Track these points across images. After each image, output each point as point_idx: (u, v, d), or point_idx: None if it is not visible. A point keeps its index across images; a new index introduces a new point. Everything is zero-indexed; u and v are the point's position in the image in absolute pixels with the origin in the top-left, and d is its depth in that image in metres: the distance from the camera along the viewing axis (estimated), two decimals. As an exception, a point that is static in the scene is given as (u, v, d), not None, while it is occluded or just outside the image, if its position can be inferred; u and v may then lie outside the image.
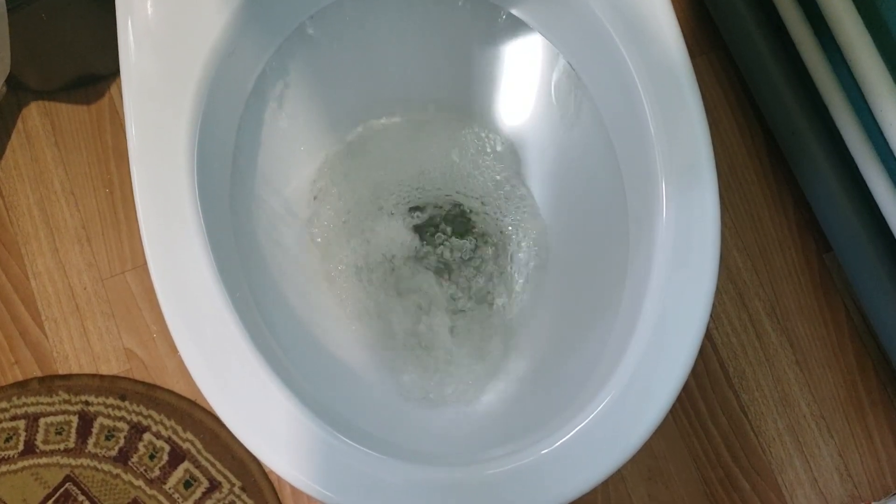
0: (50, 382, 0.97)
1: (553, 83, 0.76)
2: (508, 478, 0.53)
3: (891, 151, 0.88)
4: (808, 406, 1.01)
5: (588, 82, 0.68)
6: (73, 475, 0.94)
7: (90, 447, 0.95)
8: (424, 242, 0.82)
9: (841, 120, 0.91)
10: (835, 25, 0.85)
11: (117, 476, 0.94)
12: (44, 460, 0.95)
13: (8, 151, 1.04)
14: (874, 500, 0.97)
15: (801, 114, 0.97)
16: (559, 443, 0.54)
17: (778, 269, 1.05)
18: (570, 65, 0.70)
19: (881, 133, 0.88)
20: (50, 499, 0.94)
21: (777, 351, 1.02)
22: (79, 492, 0.94)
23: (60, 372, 0.98)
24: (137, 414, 0.96)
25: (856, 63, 0.84)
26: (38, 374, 0.98)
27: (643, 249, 0.60)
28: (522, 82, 0.78)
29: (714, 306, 1.00)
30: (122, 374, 0.98)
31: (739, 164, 1.07)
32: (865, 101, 0.86)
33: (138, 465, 0.94)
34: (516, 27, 0.72)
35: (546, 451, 0.54)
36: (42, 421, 0.95)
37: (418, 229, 0.83)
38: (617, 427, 0.55)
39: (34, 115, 1.05)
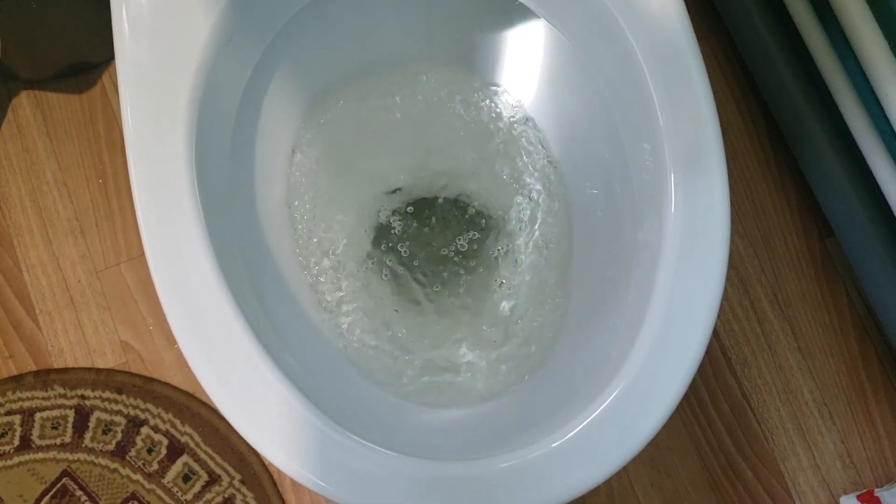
0: (45, 376, 0.96)
1: (556, 67, 0.75)
2: (518, 472, 0.52)
3: (895, 136, 0.87)
4: (810, 393, 1.01)
5: (593, 69, 0.67)
6: (70, 470, 0.93)
7: (87, 441, 0.94)
8: (428, 230, 0.82)
9: (844, 104, 0.90)
10: (838, 7, 0.84)
11: (115, 470, 0.93)
12: (40, 455, 0.93)
13: (-2, 142, 1.03)
14: (877, 487, 0.97)
15: (803, 98, 0.96)
16: (568, 436, 0.53)
17: (780, 255, 1.04)
18: (575, 50, 0.69)
19: (885, 118, 0.88)
20: (47, 494, 0.93)
21: (779, 338, 1.02)
22: (76, 487, 0.93)
23: (56, 366, 0.97)
24: (135, 407, 0.95)
25: (860, 46, 0.83)
26: (33, 368, 0.97)
27: (652, 239, 0.59)
28: (529, 64, 0.77)
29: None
30: (118, 368, 0.97)
31: (741, 150, 1.06)
32: (869, 86, 0.85)
33: (136, 459, 0.93)
34: (522, 11, 0.71)
35: (556, 444, 0.53)
36: (38, 416, 0.94)
37: (423, 218, 0.82)
38: (626, 420, 0.54)
39: (25, 106, 1.03)
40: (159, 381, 0.96)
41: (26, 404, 0.95)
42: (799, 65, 0.97)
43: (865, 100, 0.89)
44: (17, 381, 0.95)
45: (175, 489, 0.93)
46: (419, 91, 0.81)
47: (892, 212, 0.90)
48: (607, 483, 0.97)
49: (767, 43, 0.98)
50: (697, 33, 0.62)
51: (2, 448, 0.93)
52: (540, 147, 0.78)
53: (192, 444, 0.94)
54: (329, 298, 0.75)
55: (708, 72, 0.61)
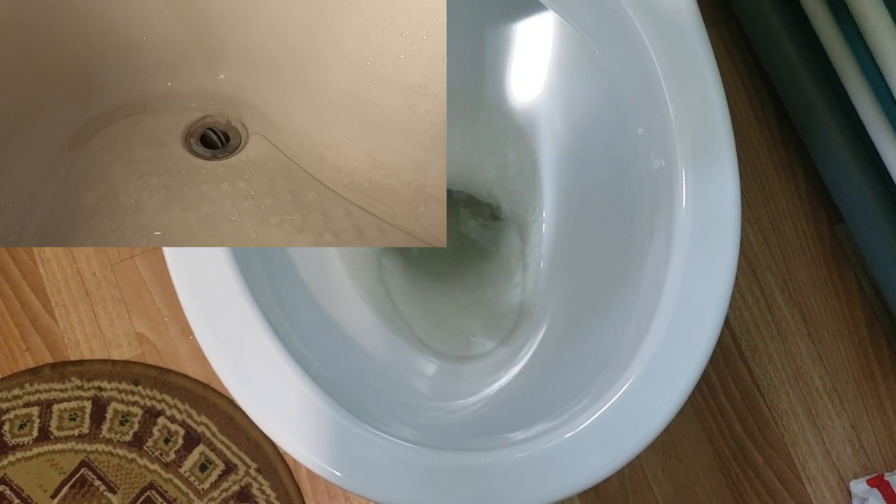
0: (62, 368, 0.97)
1: (565, 58, 0.75)
2: (533, 462, 0.53)
3: (905, 122, 0.87)
4: (820, 378, 1.01)
5: (602, 60, 0.67)
6: (88, 460, 0.95)
7: (104, 432, 0.95)
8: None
9: (854, 90, 0.90)
10: (847, -6, 0.84)
11: (133, 461, 0.94)
12: (59, 446, 0.95)
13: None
14: (887, 471, 0.98)
15: (812, 84, 0.96)
16: (582, 426, 0.53)
17: (789, 242, 1.04)
18: (585, 42, 0.69)
19: (895, 104, 0.87)
20: (66, 484, 0.94)
21: (789, 324, 1.02)
22: (95, 477, 0.94)
23: (72, 358, 0.98)
24: (151, 398, 0.96)
25: (869, 32, 0.83)
26: (50, 360, 0.98)
27: (663, 228, 0.59)
28: (533, 58, 0.77)
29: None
30: (134, 359, 0.98)
31: (750, 136, 1.06)
32: (879, 71, 0.85)
33: (153, 450, 0.95)
34: (531, 2, 0.71)
35: (570, 434, 0.53)
36: (55, 407, 0.95)
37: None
38: (639, 410, 0.54)
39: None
40: (175, 372, 0.97)
41: (44, 396, 0.96)
42: (808, 50, 0.97)
43: (875, 85, 0.89)
44: (34, 373, 0.97)
45: (192, 478, 0.94)
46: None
47: (901, 198, 0.90)
48: (619, 469, 0.98)
49: (776, 29, 0.97)
50: (706, 19, 0.62)
51: (21, 439, 0.95)
52: (549, 141, 0.78)
53: (208, 434, 0.95)
54: (342, 288, 0.75)
55: (716, 58, 0.61)
